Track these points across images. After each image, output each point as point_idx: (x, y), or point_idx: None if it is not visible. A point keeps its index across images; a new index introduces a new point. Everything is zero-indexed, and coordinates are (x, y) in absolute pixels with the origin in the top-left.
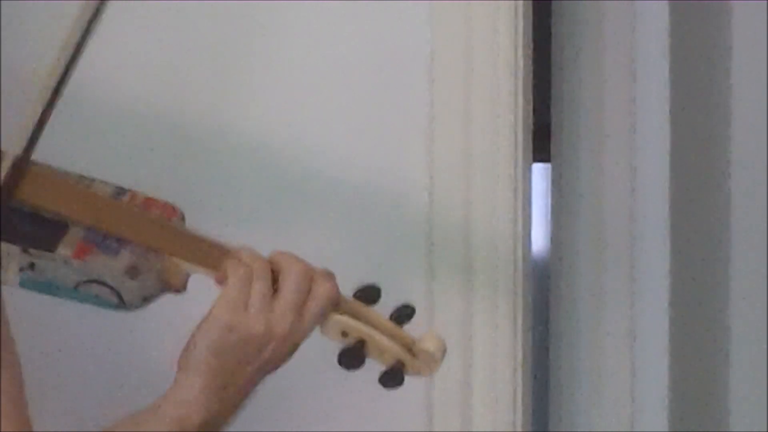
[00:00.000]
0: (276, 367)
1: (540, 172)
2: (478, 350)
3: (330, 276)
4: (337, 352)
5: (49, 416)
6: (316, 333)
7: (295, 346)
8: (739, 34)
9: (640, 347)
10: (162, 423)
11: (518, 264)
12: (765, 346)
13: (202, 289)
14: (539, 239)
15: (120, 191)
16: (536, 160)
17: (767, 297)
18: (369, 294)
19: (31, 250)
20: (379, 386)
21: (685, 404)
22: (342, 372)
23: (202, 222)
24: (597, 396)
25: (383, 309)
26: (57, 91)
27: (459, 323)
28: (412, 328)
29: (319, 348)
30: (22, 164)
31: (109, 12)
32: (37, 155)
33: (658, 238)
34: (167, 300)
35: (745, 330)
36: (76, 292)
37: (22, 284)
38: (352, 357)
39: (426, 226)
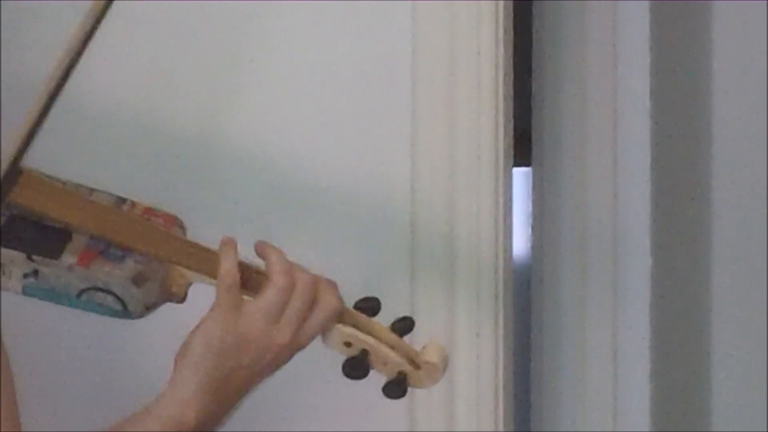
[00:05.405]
0: (273, 371)
1: (520, 176)
2: (460, 355)
3: (333, 287)
4: (341, 362)
5: (43, 422)
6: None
7: (294, 353)
8: (720, 36)
9: (622, 351)
10: (159, 421)
11: (500, 269)
12: (746, 348)
13: (197, 296)
14: (519, 244)
15: (120, 201)
16: (516, 164)
17: (748, 299)
18: (370, 305)
19: (36, 258)
20: (382, 396)
21: (667, 406)
22: (321, 376)
23: (188, 227)
24: (579, 401)
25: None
26: (53, 95)
27: (441, 328)
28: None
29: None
30: (16, 165)
31: (105, 19)
32: (32, 164)
33: (640, 242)
34: (162, 307)
35: (726, 333)
36: (78, 300)
37: (26, 292)
38: (356, 367)
39: (408, 232)
